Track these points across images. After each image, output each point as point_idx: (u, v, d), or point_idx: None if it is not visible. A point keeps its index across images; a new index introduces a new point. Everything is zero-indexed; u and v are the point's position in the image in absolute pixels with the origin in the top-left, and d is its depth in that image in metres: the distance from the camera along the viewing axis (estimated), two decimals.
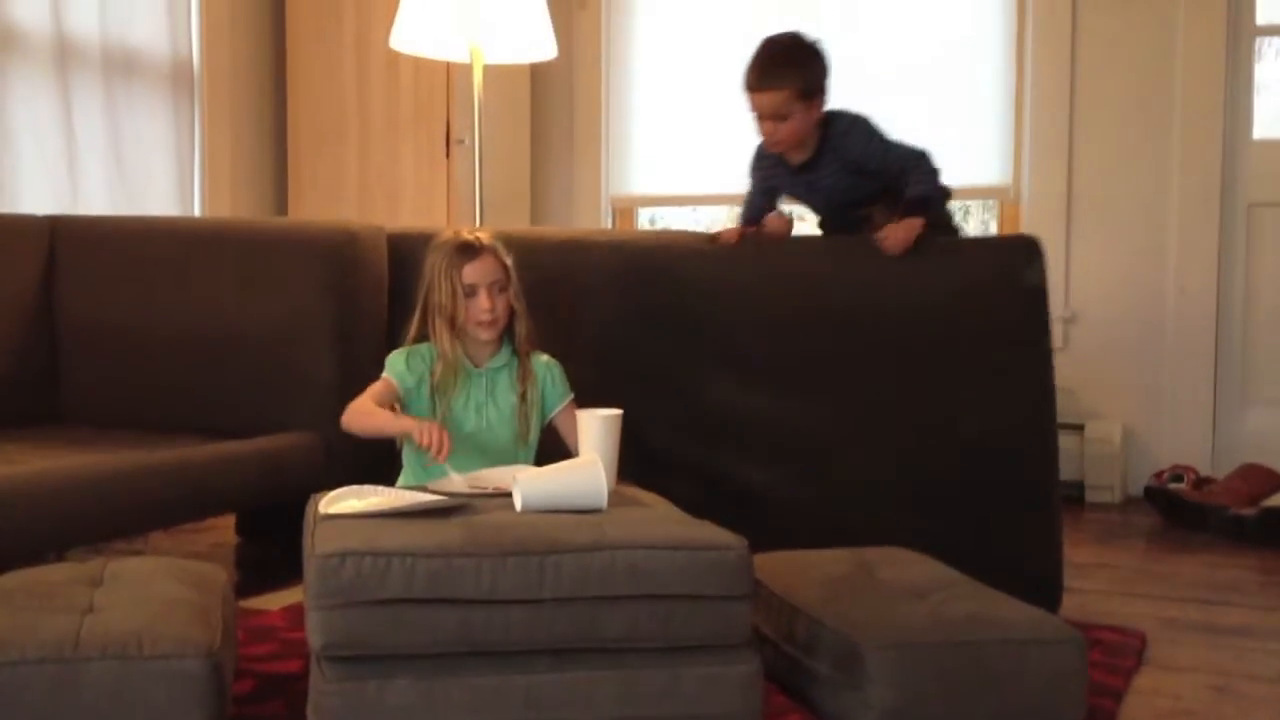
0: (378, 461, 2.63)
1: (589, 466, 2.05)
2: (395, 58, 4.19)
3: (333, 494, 2.07)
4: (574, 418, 2.54)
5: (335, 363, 2.88)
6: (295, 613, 2.55)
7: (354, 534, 1.81)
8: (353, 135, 4.44)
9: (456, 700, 1.77)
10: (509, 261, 2.57)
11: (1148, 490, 3.98)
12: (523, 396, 2.57)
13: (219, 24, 4.27)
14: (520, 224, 4.83)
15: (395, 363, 2.54)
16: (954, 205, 4.67)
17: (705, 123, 4.80)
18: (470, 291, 2.52)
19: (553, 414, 2.61)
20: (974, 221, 4.73)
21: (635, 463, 2.32)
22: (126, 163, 3.94)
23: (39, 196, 3.60)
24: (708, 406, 2.87)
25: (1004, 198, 4.46)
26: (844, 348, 2.79)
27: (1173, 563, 3.34)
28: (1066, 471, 4.23)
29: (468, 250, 2.54)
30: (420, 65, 4.14)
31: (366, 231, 2.98)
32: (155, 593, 1.90)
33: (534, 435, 2.60)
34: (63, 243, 3.15)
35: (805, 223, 3.29)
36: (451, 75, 4.25)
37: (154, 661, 1.70)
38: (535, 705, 1.79)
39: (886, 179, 2.88)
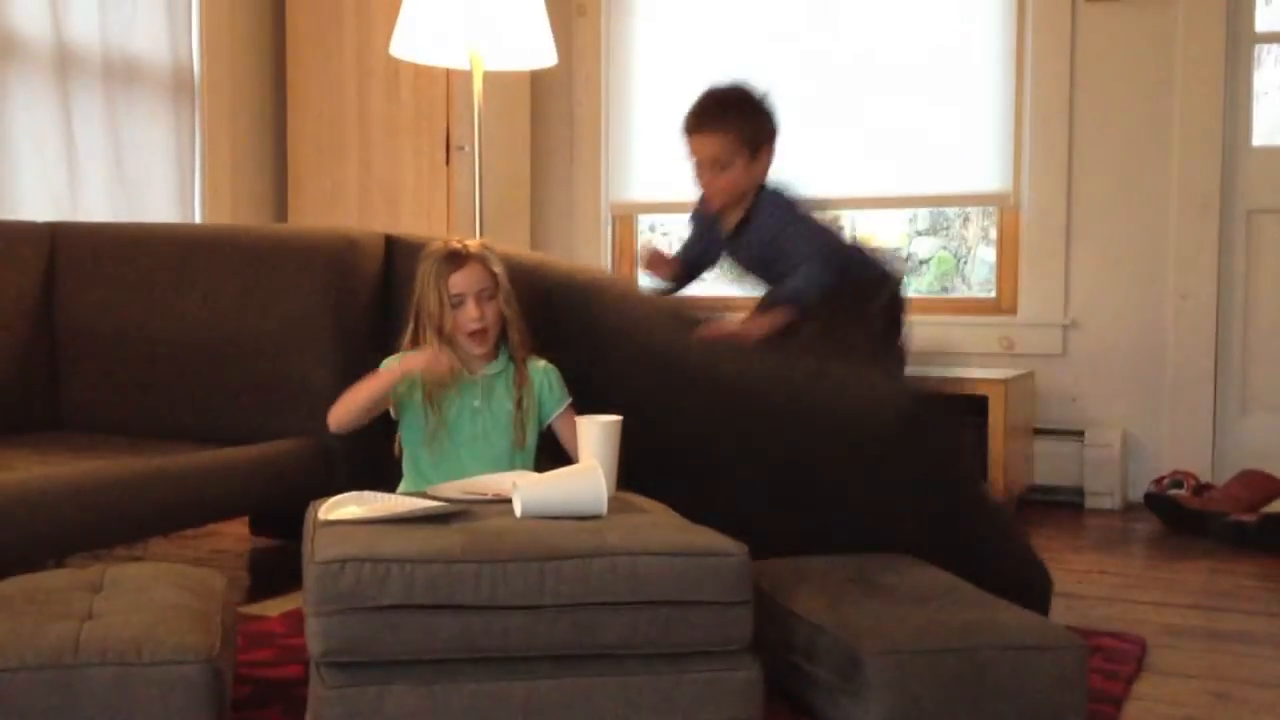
0: (377, 468, 2.63)
1: (589, 473, 2.05)
2: (395, 65, 4.19)
3: (333, 500, 2.08)
4: (572, 423, 2.54)
5: (335, 369, 2.88)
6: (294, 618, 2.55)
7: (353, 540, 1.81)
8: (353, 142, 4.45)
9: (456, 706, 1.77)
10: (498, 269, 2.57)
11: (1148, 496, 3.97)
12: (519, 403, 2.57)
13: (219, 31, 4.28)
14: (520, 231, 4.84)
15: (390, 363, 2.55)
16: (954, 212, 4.70)
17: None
18: (458, 301, 2.52)
19: (550, 419, 2.61)
20: (974, 228, 4.74)
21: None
22: (127, 169, 3.94)
23: (39, 203, 3.61)
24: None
25: (1004, 205, 4.46)
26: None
27: (1173, 569, 3.33)
28: (1067, 478, 4.27)
29: (454, 259, 2.54)
30: (420, 72, 4.15)
31: (366, 238, 2.98)
32: (155, 599, 1.90)
33: (531, 440, 2.59)
34: (63, 250, 3.16)
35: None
36: (451, 82, 4.26)
37: (153, 668, 1.70)
38: (535, 711, 1.79)
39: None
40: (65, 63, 3.73)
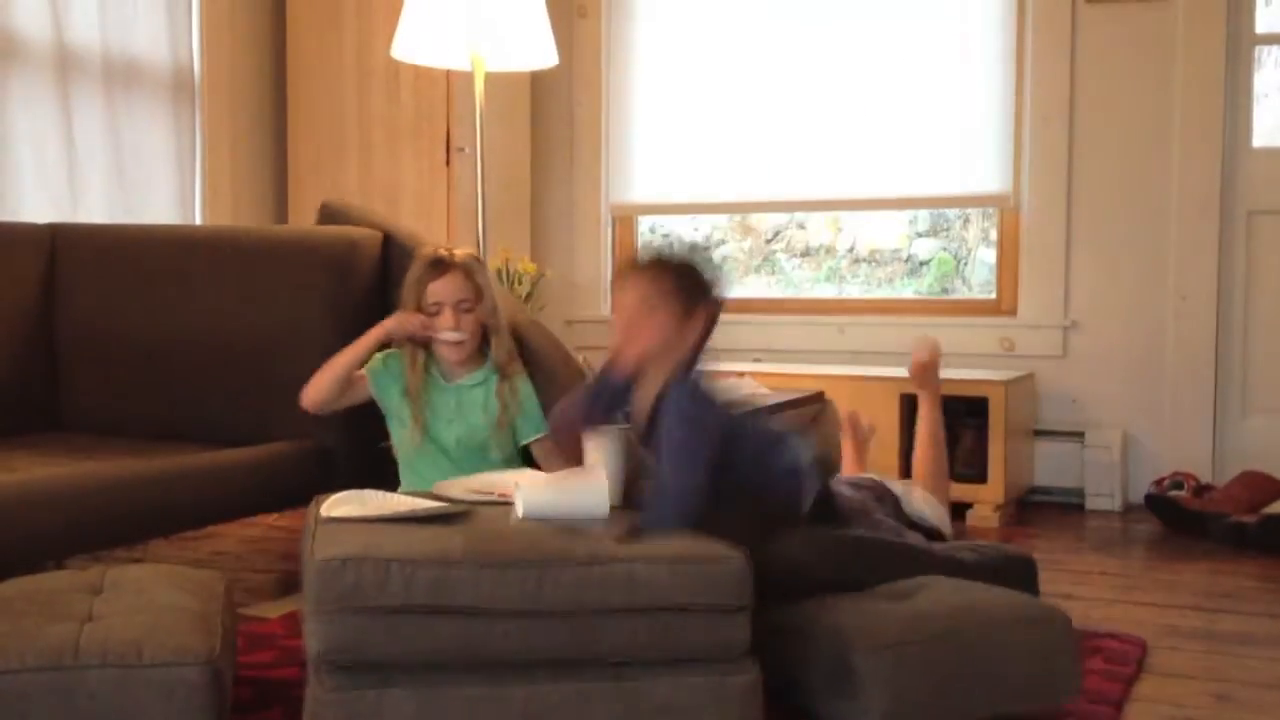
0: (377, 469, 2.63)
1: (592, 478, 2.05)
2: (395, 66, 4.19)
3: (334, 498, 2.08)
4: (546, 451, 2.56)
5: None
6: (294, 620, 2.56)
7: (355, 539, 1.81)
8: (353, 144, 4.45)
9: (453, 711, 1.77)
10: (483, 281, 2.56)
11: (1148, 498, 3.97)
12: (499, 420, 2.56)
13: (219, 33, 4.28)
14: (520, 233, 4.83)
15: (373, 371, 2.57)
16: (954, 214, 4.70)
17: (705, 131, 4.81)
18: (435, 309, 2.52)
19: (527, 441, 2.61)
20: (974, 229, 4.74)
21: None
22: (127, 171, 3.94)
23: (39, 205, 3.61)
24: None
25: (1004, 206, 4.46)
26: None
27: (1173, 570, 3.33)
28: (1067, 479, 4.26)
29: (436, 266, 2.54)
30: (420, 74, 4.15)
31: (365, 239, 2.98)
32: (155, 600, 1.90)
33: (510, 453, 2.59)
34: (63, 251, 3.16)
35: None
36: (451, 84, 4.26)
37: (154, 669, 1.71)
38: (534, 716, 1.78)
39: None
40: (66, 64, 3.73)
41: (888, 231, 4.86)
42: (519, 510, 1.99)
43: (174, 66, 4.13)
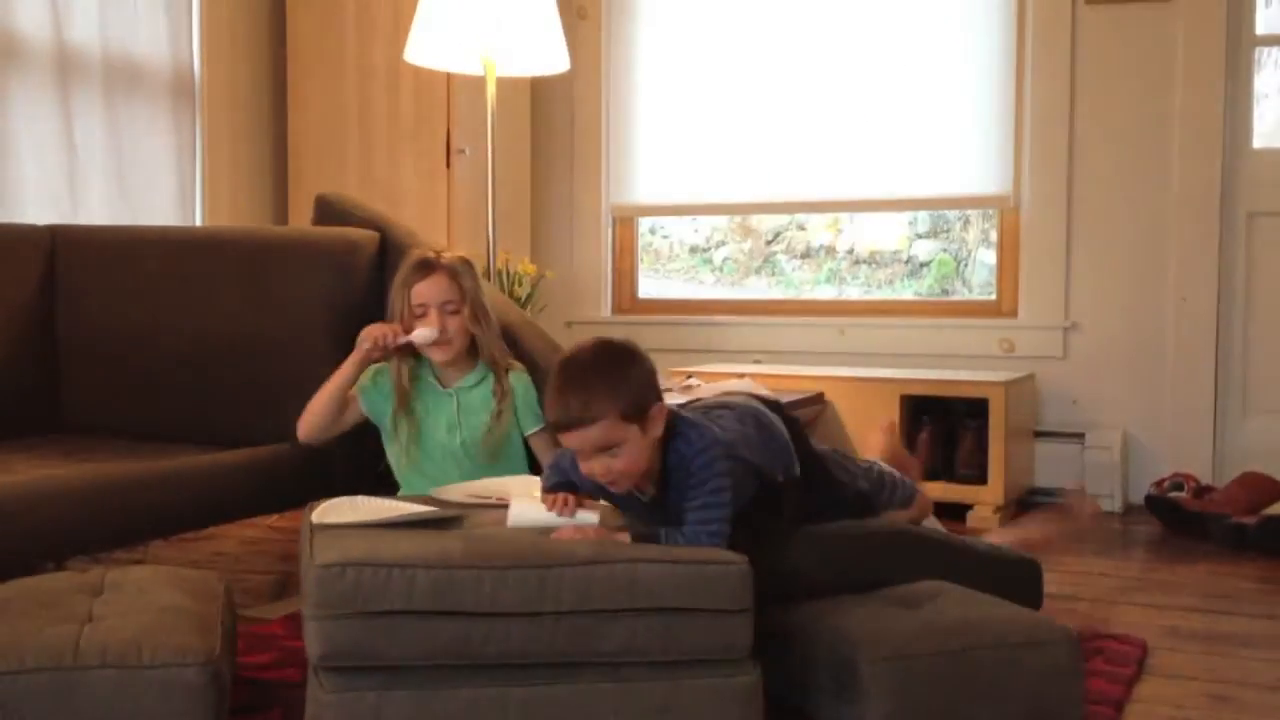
0: (377, 471, 2.63)
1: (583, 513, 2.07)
2: (396, 68, 4.20)
3: (325, 505, 2.07)
4: (546, 443, 2.56)
5: (334, 371, 2.88)
6: (295, 621, 2.55)
7: (354, 544, 1.80)
8: (353, 146, 4.45)
9: (453, 712, 1.77)
10: (468, 284, 2.56)
11: (1148, 499, 3.97)
12: (498, 415, 2.56)
13: (220, 35, 4.28)
14: (521, 234, 4.83)
15: (363, 389, 2.56)
16: (954, 215, 4.70)
17: (705, 132, 4.81)
18: (420, 311, 2.52)
19: (527, 434, 2.61)
20: (974, 231, 4.74)
21: None
22: (127, 173, 3.94)
23: (40, 207, 3.61)
24: None
25: (1004, 206, 4.46)
26: None
27: (1173, 571, 3.33)
28: (1067, 480, 4.26)
29: (422, 268, 2.54)
30: (421, 76, 4.15)
31: (365, 240, 2.98)
32: (155, 601, 1.90)
33: (513, 453, 2.59)
34: (63, 253, 3.15)
35: None
36: (452, 86, 4.26)
37: (153, 670, 1.71)
38: (533, 718, 1.78)
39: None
40: (66, 66, 3.74)
41: (888, 233, 4.86)
42: (509, 520, 2.01)
43: (174, 68, 4.13)
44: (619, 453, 2.00)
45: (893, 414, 4.02)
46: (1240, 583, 3.20)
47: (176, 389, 3.01)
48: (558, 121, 5.00)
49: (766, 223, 5.03)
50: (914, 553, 2.35)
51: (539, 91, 4.90)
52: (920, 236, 4.83)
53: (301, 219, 4.49)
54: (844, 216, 4.90)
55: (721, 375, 4.07)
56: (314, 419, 2.53)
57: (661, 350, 4.62)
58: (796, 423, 2.49)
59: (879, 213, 4.77)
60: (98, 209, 3.81)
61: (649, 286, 5.12)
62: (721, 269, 5.15)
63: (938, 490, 3.70)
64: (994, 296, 4.55)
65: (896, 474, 2.75)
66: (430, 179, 4.35)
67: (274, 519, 3.60)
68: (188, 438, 2.87)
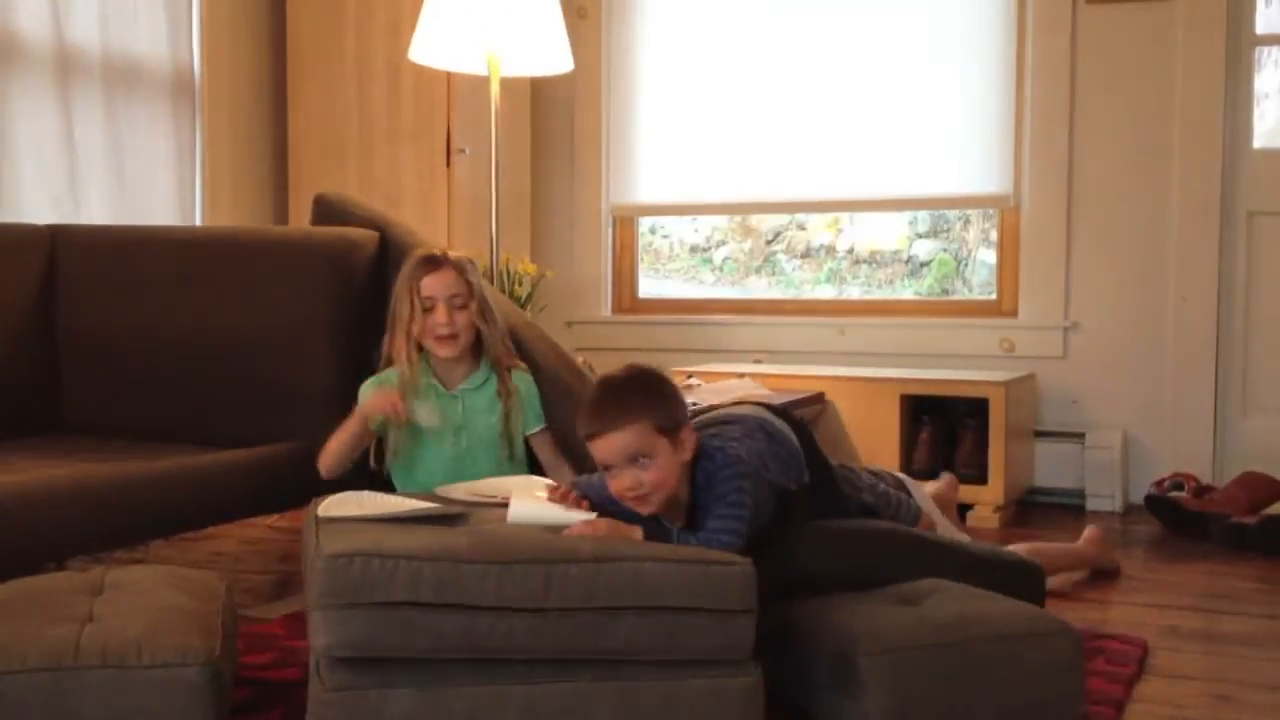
0: (377, 472, 2.63)
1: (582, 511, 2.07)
2: (396, 68, 4.20)
3: (331, 499, 2.08)
4: (549, 444, 2.56)
5: (334, 371, 2.88)
6: (295, 621, 2.56)
7: (361, 536, 1.81)
8: (353, 145, 4.45)
9: (454, 710, 1.77)
10: (474, 279, 2.57)
11: (1148, 498, 3.97)
12: (506, 415, 2.56)
13: (220, 34, 4.28)
14: (521, 233, 4.83)
15: (365, 394, 2.55)
16: (954, 214, 4.70)
17: (705, 131, 4.81)
18: (428, 305, 2.51)
19: (528, 433, 2.61)
20: (974, 230, 4.74)
21: None
22: (127, 173, 3.94)
23: (40, 206, 3.61)
24: None
25: (1004, 207, 4.46)
26: None
27: (1173, 571, 3.33)
28: (1067, 480, 4.26)
29: (428, 263, 2.54)
30: (421, 75, 4.15)
31: (365, 240, 2.98)
32: (155, 601, 1.90)
33: (517, 454, 2.59)
34: (63, 252, 3.15)
35: None
36: (452, 85, 4.26)
37: (154, 670, 1.70)
38: (535, 716, 1.78)
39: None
40: (66, 66, 3.74)
41: (888, 232, 4.86)
42: (508, 517, 2.03)
43: (174, 67, 4.13)
44: (649, 464, 2.05)
45: (893, 413, 4.02)
46: (1240, 582, 3.20)
47: (176, 388, 3.01)
48: (558, 121, 5.00)
49: (767, 222, 5.03)
50: (915, 552, 2.36)
51: (539, 91, 4.90)
52: (920, 236, 4.83)
53: (301, 219, 4.49)
54: (844, 216, 4.90)
55: (722, 375, 4.07)
56: (333, 462, 2.53)
57: (662, 350, 4.63)
58: (806, 429, 2.50)
59: (879, 212, 4.77)
60: (98, 209, 3.81)
61: (649, 286, 5.12)
62: (722, 269, 5.15)
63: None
64: (994, 296, 4.55)
65: (903, 495, 2.75)
66: (430, 179, 4.35)
67: (274, 519, 3.60)
68: (187, 437, 2.88)
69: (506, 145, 4.59)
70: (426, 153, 4.36)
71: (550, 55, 3.65)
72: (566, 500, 2.11)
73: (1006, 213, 4.48)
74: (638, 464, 2.05)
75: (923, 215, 4.79)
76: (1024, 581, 2.43)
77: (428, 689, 1.76)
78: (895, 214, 4.78)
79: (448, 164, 4.33)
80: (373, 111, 4.41)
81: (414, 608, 1.73)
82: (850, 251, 4.92)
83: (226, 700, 1.80)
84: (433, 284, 2.52)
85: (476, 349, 2.59)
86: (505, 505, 2.13)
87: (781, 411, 2.51)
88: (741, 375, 4.01)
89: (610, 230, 5.02)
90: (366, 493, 2.15)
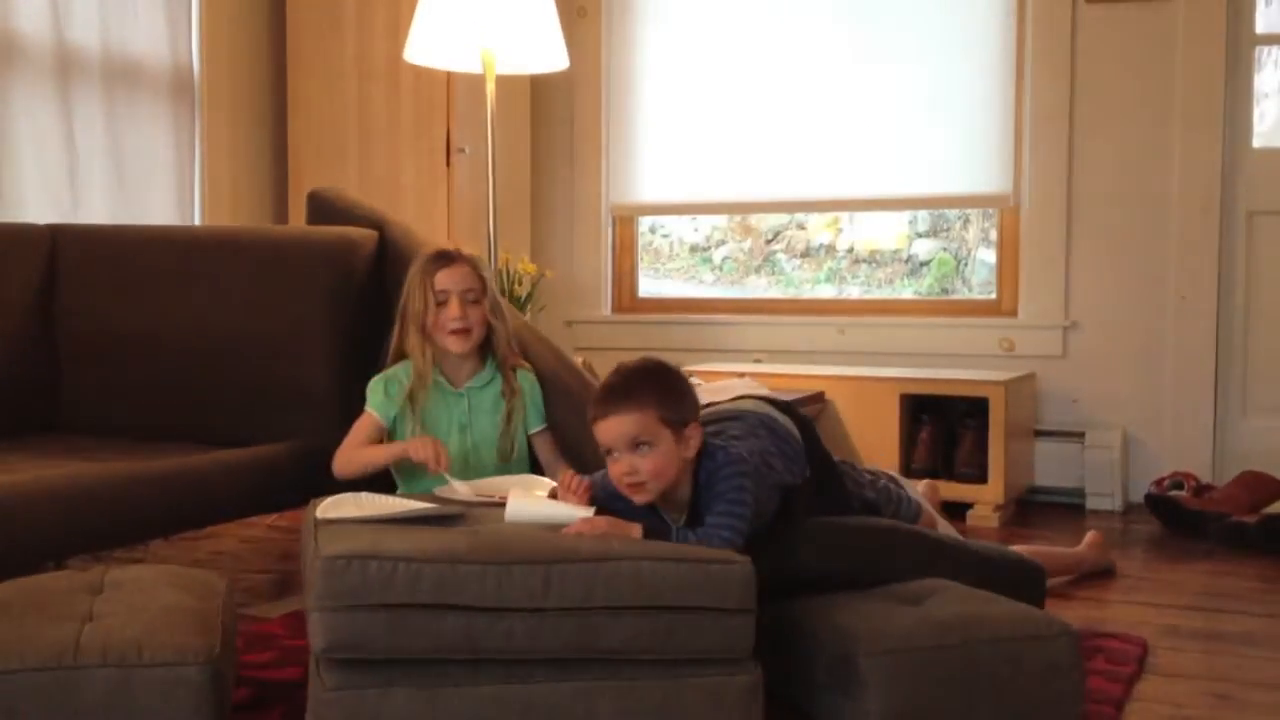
0: (377, 471, 2.63)
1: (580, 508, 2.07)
2: (396, 67, 4.19)
3: (329, 500, 2.08)
4: (549, 444, 2.57)
5: (334, 371, 2.88)
6: (295, 620, 2.55)
7: (360, 537, 1.81)
8: (353, 145, 4.45)
9: (454, 710, 1.77)
10: (487, 275, 2.58)
11: (1148, 497, 3.97)
12: (508, 415, 2.56)
13: (219, 34, 4.28)
14: (521, 233, 4.83)
15: (374, 393, 2.55)
16: (954, 214, 4.70)
17: (705, 131, 4.81)
18: (442, 299, 2.52)
19: (529, 433, 2.62)
20: (974, 230, 4.74)
21: None
22: (127, 173, 3.94)
23: (40, 206, 3.61)
24: None
25: (1004, 206, 4.46)
26: None
27: (1173, 570, 3.33)
28: (1067, 479, 4.26)
29: (442, 258, 2.55)
30: (421, 75, 4.15)
31: (365, 240, 2.98)
32: (155, 600, 1.90)
33: (519, 453, 2.59)
34: (63, 251, 3.15)
35: None
36: (452, 85, 4.25)
37: (154, 669, 1.70)
38: (534, 715, 1.79)
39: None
40: (66, 65, 3.73)
41: (888, 232, 4.86)
42: (506, 515, 2.03)
43: (174, 67, 4.13)
44: (649, 452, 2.06)
45: (893, 413, 4.02)
46: (1240, 582, 3.20)
47: (176, 388, 3.01)
48: (557, 120, 5.00)
49: (766, 222, 5.03)
50: (916, 550, 2.36)
51: (538, 90, 4.90)
52: (920, 235, 4.83)
53: (301, 218, 4.48)
54: (844, 215, 4.90)
55: (721, 374, 4.07)
56: (348, 474, 2.53)
57: (661, 350, 4.62)
58: (809, 423, 2.50)
59: (879, 212, 4.77)
60: (98, 208, 3.81)
61: (649, 286, 5.12)
62: (721, 268, 5.15)
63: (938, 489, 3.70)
64: (994, 295, 4.55)
65: (903, 492, 2.76)
66: (430, 178, 4.35)
67: (273, 518, 3.60)
68: (187, 436, 2.88)
69: (506, 145, 4.59)
70: (426, 152, 4.36)
71: (546, 53, 3.65)
72: (574, 489, 2.13)
73: (1006, 212, 4.48)
74: (638, 451, 2.06)
75: (922, 215, 4.79)
76: (1025, 581, 2.43)
77: (427, 689, 1.76)
78: (895, 213, 4.78)
79: (447, 163, 4.33)
80: (372, 111, 4.41)
81: (413, 609, 1.73)
82: (850, 251, 4.92)
83: (227, 699, 1.80)
84: (446, 278, 2.52)
85: (482, 348, 2.59)
86: (503, 505, 2.13)
87: (784, 406, 2.52)
88: (741, 375, 4.00)
89: (610, 230, 5.02)
90: (365, 494, 2.15)
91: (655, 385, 2.10)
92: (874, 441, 3.96)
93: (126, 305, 3.08)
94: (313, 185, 4.44)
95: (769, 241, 5.05)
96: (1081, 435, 4.24)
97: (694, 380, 3.84)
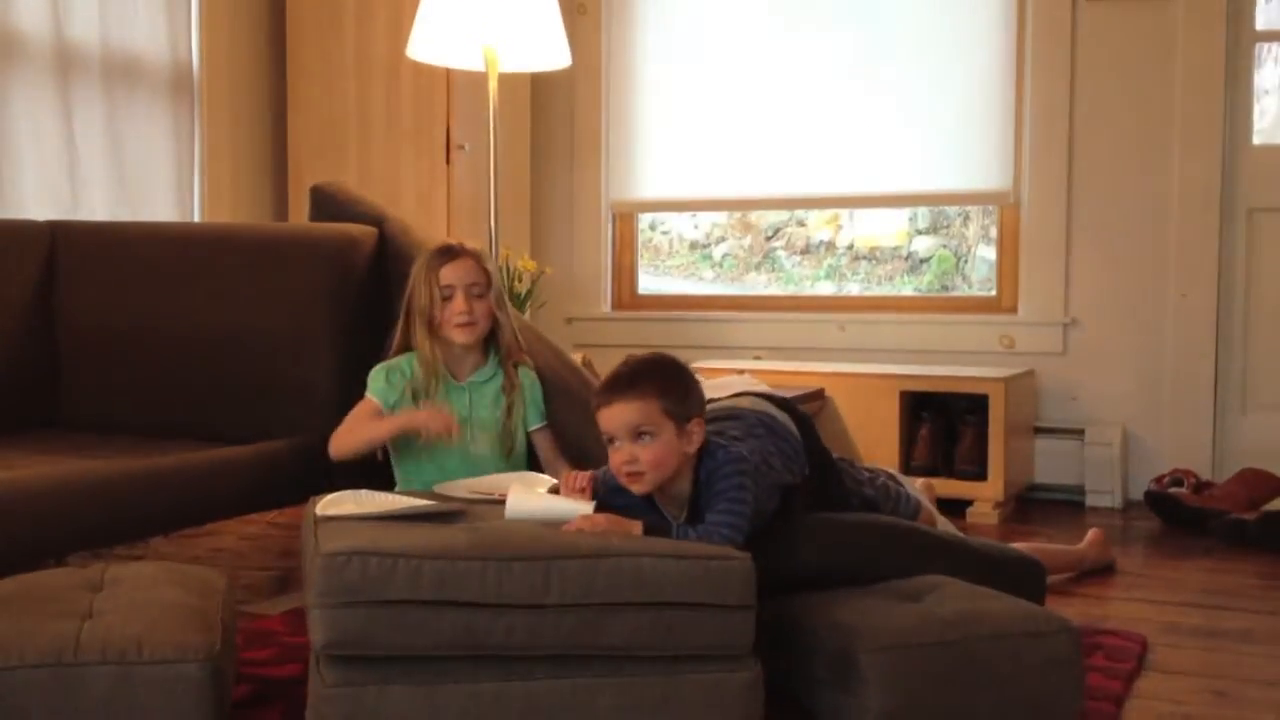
0: (376, 467, 2.63)
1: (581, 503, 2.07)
2: (396, 64, 4.19)
3: (329, 497, 2.08)
4: (549, 441, 2.57)
5: (334, 367, 2.88)
6: (295, 617, 2.55)
7: (360, 534, 1.81)
8: (353, 141, 4.44)
9: (454, 706, 1.77)
10: (491, 268, 2.58)
11: (1148, 495, 3.97)
12: (508, 410, 2.57)
13: (219, 30, 4.28)
14: (520, 229, 4.83)
15: (376, 380, 2.55)
16: (954, 211, 4.70)
17: (705, 127, 4.81)
18: (447, 293, 2.52)
19: (529, 430, 2.62)
20: (974, 226, 4.74)
21: None
22: (127, 169, 3.94)
23: (40, 203, 3.61)
24: None
25: (1004, 203, 4.46)
26: None
27: (1173, 567, 3.33)
28: (1067, 476, 4.26)
29: (447, 252, 2.56)
30: (421, 71, 4.14)
31: (364, 236, 2.98)
32: (155, 598, 1.90)
33: (520, 448, 2.60)
34: (63, 248, 3.15)
35: None
36: (452, 81, 4.25)
37: (154, 666, 1.71)
38: (534, 712, 1.79)
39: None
40: (65, 62, 3.73)
41: (888, 228, 4.85)
42: (506, 512, 2.03)
43: (173, 63, 4.13)
44: (650, 442, 2.07)
45: (892, 410, 4.02)
46: (1240, 579, 3.21)
47: (176, 384, 3.01)
48: (557, 117, 5.00)
49: (766, 218, 5.02)
50: (914, 547, 2.36)
51: (539, 87, 4.90)
52: (920, 232, 4.83)
53: (301, 214, 4.48)
54: (844, 212, 4.89)
55: (721, 371, 4.07)
56: (347, 451, 2.53)
57: (661, 347, 4.58)
58: (808, 420, 2.50)
59: (879, 208, 4.77)
60: (98, 205, 3.81)
61: (648, 283, 5.12)
62: (721, 265, 5.15)
63: (937, 486, 3.70)
64: (994, 292, 4.55)
65: (902, 489, 2.76)
66: (430, 175, 4.35)
67: (273, 515, 3.60)
68: (187, 433, 2.87)
69: (506, 141, 4.59)
70: (426, 149, 4.36)
71: (548, 50, 3.65)
72: (576, 486, 2.14)
73: (1006, 209, 4.47)
74: (639, 441, 2.07)
75: (922, 211, 4.79)
76: (1025, 578, 2.43)
77: (427, 686, 1.76)
78: (895, 210, 4.78)
79: (447, 160, 4.33)
80: (372, 108, 4.41)
81: (413, 605, 1.73)
82: (850, 248, 4.92)
83: (227, 696, 1.81)
84: (451, 273, 2.53)
85: (486, 341, 2.60)
86: (503, 502, 2.13)
87: (783, 403, 2.52)
88: (741, 372, 4.00)
89: (610, 226, 5.02)
90: (365, 491, 2.15)
91: (661, 377, 2.12)
92: (874, 438, 3.96)
93: (126, 302, 3.07)
94: (312, 182, 4.45)
95: (769, 238, 5.05)
96: (1081, 432, 4.24)
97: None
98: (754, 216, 5.04)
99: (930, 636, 1.94)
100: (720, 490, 2.09)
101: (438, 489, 2.36)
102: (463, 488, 2.34)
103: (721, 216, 5.11)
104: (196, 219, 4.21)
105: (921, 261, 4.81)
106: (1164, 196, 4.20)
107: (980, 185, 4.47)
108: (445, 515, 2.03)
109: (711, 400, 2.49)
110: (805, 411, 2.60)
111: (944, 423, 4.14)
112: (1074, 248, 4.32)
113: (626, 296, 5.07)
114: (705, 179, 4.83)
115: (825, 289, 4.91)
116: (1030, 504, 4.23)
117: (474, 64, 3.65)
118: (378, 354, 2.65)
